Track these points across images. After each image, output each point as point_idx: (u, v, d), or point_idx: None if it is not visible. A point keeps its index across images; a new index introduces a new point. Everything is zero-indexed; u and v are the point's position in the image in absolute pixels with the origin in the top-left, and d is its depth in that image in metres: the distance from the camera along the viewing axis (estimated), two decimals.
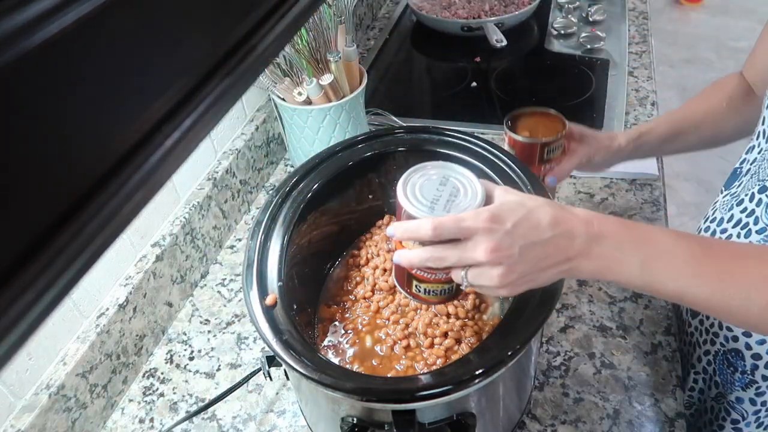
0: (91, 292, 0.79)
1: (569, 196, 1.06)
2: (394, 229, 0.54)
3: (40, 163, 0.15)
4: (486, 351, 0.57)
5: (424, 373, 0.63)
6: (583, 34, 1.43)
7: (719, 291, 0.51)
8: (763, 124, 0.71)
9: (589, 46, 1.40)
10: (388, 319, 0.72)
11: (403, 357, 0.68)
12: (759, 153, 0.73)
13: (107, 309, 0.80)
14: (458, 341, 0.68)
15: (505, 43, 1.35)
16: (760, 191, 0.69)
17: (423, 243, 0.54)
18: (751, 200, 0.72)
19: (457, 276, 0.53)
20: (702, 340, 0.82)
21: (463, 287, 0.55)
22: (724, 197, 0.79)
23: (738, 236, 0.73)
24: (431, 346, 0.68)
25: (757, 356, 0.73)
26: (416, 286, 0.61)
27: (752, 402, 0.77)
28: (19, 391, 0.70)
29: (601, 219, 0.52)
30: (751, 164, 0.75)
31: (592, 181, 1.08)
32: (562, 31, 1.47)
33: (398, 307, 0.73)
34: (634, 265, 0.51)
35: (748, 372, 0.75)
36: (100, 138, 0.17)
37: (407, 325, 0.71)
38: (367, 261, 0.79)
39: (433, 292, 0.60)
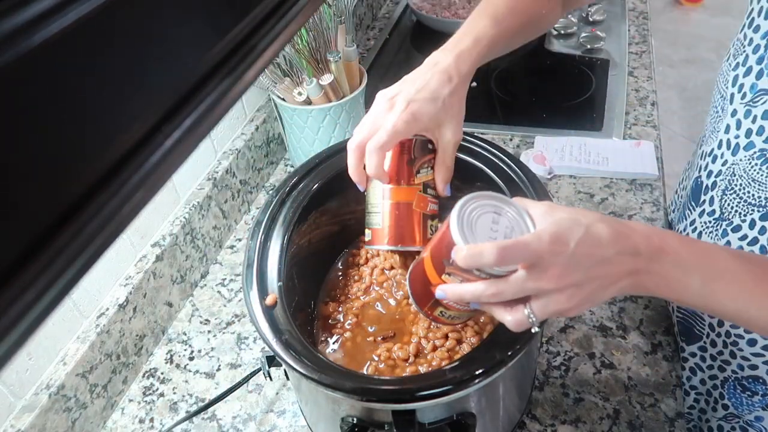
0: (91, 292, 0.79)
1: (569, 196, 1.06)
2: (455, 253, 0.49)
3: (40, 163, 0.15)
4: (486, 351, 0.57)
5: (424, 373, 0.63)
6: (583, 34, 1.43)
7: None
8: (726, 132, 0.68)
9: (589, 46, 1.40)
10: (390, 334, 0.72)
11: (407, 363, 0.68)
12: (724, 165, 0.69)
13: (107, 309, 0.80)
14: (459, 342, 0.68)
15: None
16: (762, 218, 0.65)
17: (469, 274, 0.50)
18: (751, 227, 0.67)
19: (520, 318, 0.49)
20: (705, 366, 0.80)
21: (534, 329, 0.50)
22: (701, 217, 0.74)
23: None
24: (434, 349, 0.68)
25: None
26: (441, 312, 0.58)
27: None
28: (19, 391, 0.70)
29: (661, 234, 0.50)
30: (717, 177, 0.71)
31: (592, 181, 1.08)
32: (562, 31, 1.47)
33: (397, 311, 0.73)
34: (694, 284, 0.49)
35: None
36: (100, 138, 0.17)
37: (409, 335, 0.70)
38: (366, 261, 0.79)
39: (457, 317, 0.59)
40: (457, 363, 0.58)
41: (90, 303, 0.79)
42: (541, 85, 1.36)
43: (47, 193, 0.16)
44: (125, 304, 0.82)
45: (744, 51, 0.64)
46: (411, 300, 0.61)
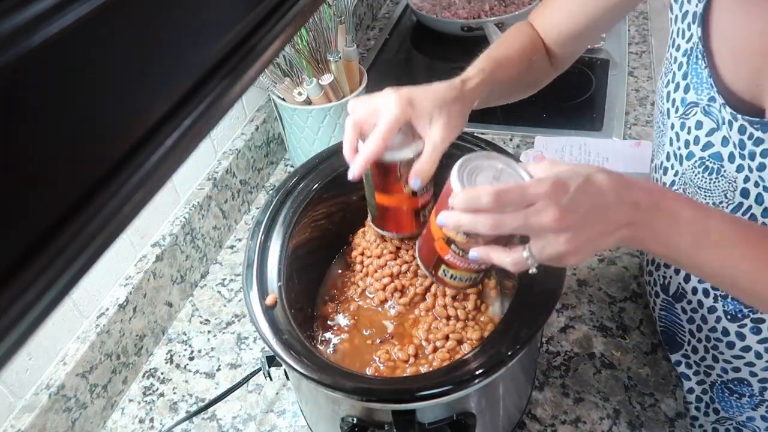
0: (91, 292, 0.79)
1: None
2: (452, 199, 0.51)
3: (40, 164, 0.15)
4: (486, 351, 0.57)
5: (424, 374, 0.63)
6: None
7: (760, 276, 0.51)
8: (671, 144, 0.70)
9: (589, 46, 1.40)
10: (388, 336, 0.72)
11: (408, 364, 0.68)
12: (676, 176, 0.71)
13: (107, 309, 0.80)
14: (460, 342, 0.68)
15: None
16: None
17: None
18: None
19: (518, 258, 0.51)
20: (692, 372, 0.81)
21: (532, 270, 0.52)
22: None
23: None
24: (435, 350, 0.68)
25: (764, 380, 0.72)
26: (444, 270, 0.60)
27: (764, 419, 0.76)
28: (19, 391, 0.70)
29: (660, 190, 0.52)
30: (672, 188, 0.73)
31: None
32: None
33: (396, 314, 0.73)
34: (685, 241, 0.51)
35: (757, 394, 0.74)
36: (100, 138, 0.17)
37: (410, 337, 0.70)
38: (362, 261, 0.79)
39: (460, 278, 0.60)
40: (457, 363, 0.58)
41: (90, 303, 0.79)
42: None
43: (47, 193, 0.16)
44: (125, 304, 0.82)
45: (672, 69, 0.68)
46: (419, 262, 0.64)
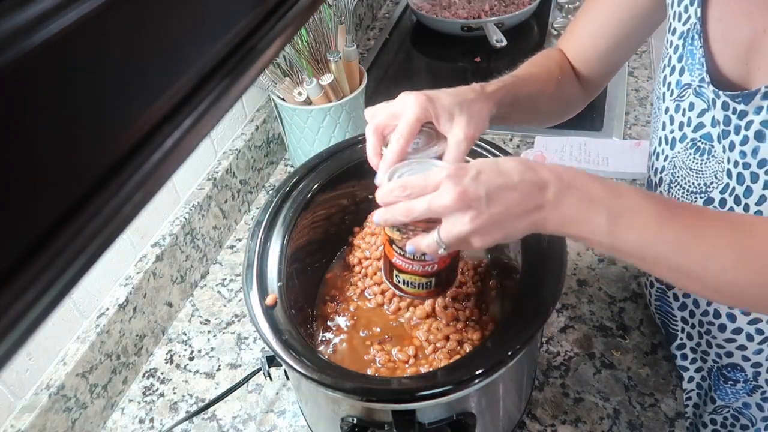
0: (91, 292, 0.79)
1: None
2: (377, 196, 0.55)
3: (40, 163, 0.15)
4: (486, 351, 0.57)
5: (424, 374, 0.63)
6: None
7: (680, 250, 0.50)
8: (663, 129, 0.71)
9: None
10: (387, 338, 0.72)
11: (407, 365, 0.68)
12: (666, 161, 0.72)
13: (107, 309, 0.80)
14: (461, 342, 0.68)
15: (505, 43, 1.35)
16: (705, 204, 0.68)
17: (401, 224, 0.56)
18: None
19: (430, 242, 0.53)
20: (689, 361, 0.81)
21: (440, 250, 0.54)
22: None
23: None
24: (435, 351, 0.68)
25: (757, 365, 0.72)
26: (396, 275, 0.62)
27: (759, 407, 0.76)
28: (19, 391, 0.70)
29: (571, 172, 0.52)
30: (662, 173, 0.74)
31: None
32: (562, 31, 1.46)
33: (395, 315, 0.73)
34: (600, 218, 0.50)
35: (751, 379, 0.74)
36: (100, 138, 0.17)
37: (410, 339, 0.70)
38: (359, 261, 0.79)
39: (411, 284, 0.62)
40: (457, 363, 0.58)
41: (90, 303, 0.79)
42: None
43: (47, 193, 0.16)
44: (125, 304, 0.82)
45: (668, 53, 0.69)
46: (382, 272, 0.66)
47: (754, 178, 0.61)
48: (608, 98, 1.25)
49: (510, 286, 0.72)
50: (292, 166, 1.18)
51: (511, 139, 1.18)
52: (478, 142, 0.77)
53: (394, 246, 0.60)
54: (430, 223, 0.53)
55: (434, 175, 0.51)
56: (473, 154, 0.76)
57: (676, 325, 0.79)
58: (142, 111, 0.19)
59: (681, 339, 0.80)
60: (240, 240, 1.05)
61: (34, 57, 0.14)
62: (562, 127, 1.19)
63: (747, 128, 0.59)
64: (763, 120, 0.58)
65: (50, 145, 0.16)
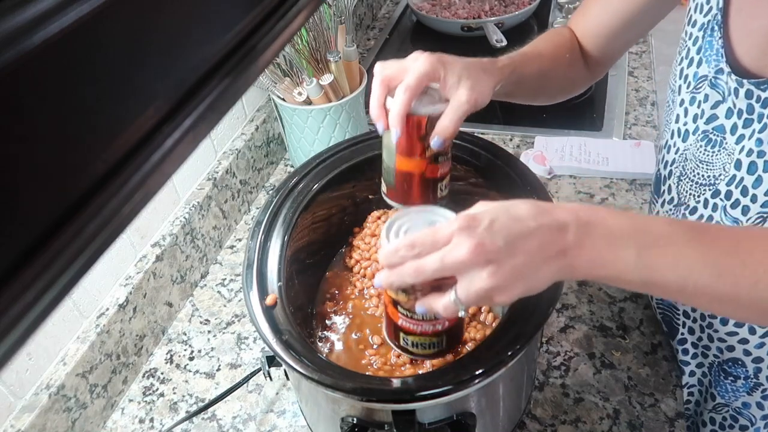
0: (91, 292, 0.79)
1: (569, 195, 1.06)
2: (380, 257, 0.51)
3: (41, 164, 0.15)
4: (486, 351, 0.57)
5: (424, 374, 0.63)
6: None
7: (725, 274, 0.46)
8: (677, 122, 0.71)
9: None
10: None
11: (404, 368, 0.68)
12: (677, 153, 0.72)
13: (107, 309, 0.80)
14: (463, 343, 0.68)
15: (505, 43, 1.35)
16: (713, 196, 0.67)
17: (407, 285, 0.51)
18: (705, 207, 0.69)
19: (447, 303, 0.49)
20: (690, 356, 0.81)
21: (460, 312, 0.49)
22: (663, 207, 0.76)
23: None
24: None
25: (758, 360, 0.73)
26: (403, 338, 0.58)
27: (759, 406, 0.76)
28: (19, 391, 0.70)
29: (589, 208, 0.49)
30: (672, 166, 0.73)
31: (592, 181, 1.08)
32: None
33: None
34: (629, 254, 0.46)
35: (752, 376, 0.74)
36: (100, 138, 0.17)
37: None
38: (357, 262, 0.79)
39: (421, 345, 0.58)
40: (457, 363, 0.58)
41: (90, 303, 0.79)
42: None
43: (48, 193, 0.16)
44: (125, 304, 0.82)
45: (686, 45, 0.69)
46: (385, 338, 0.63)
47: (767, 167, 0.60)
48: (608, 98, 1.26)
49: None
50: (292, 166, 1.18)
51: (511, 139, 1.18)
52: (477, 142, 0.77)
53: (399, 308, 0.56)
54: (439, 281, 0.49)
55: (444, 228, 0.47)
56: (472, 153, 0.76)
57: (678, 320, 0.79)
58: (142, 111, 0.19)
59: (682, 333, 0.80)
60: (240, 240, 1.05)
61: (34, 57, 0.14)
62: (562, 127, 1.19)
63: None
64: None
65: (50, 145, 0.16)
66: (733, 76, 0.61)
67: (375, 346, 0.70)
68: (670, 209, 0.76)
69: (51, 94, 0.15)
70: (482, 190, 0.77)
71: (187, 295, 0.95)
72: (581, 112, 1.25)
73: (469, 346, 0.68)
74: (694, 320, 0.77)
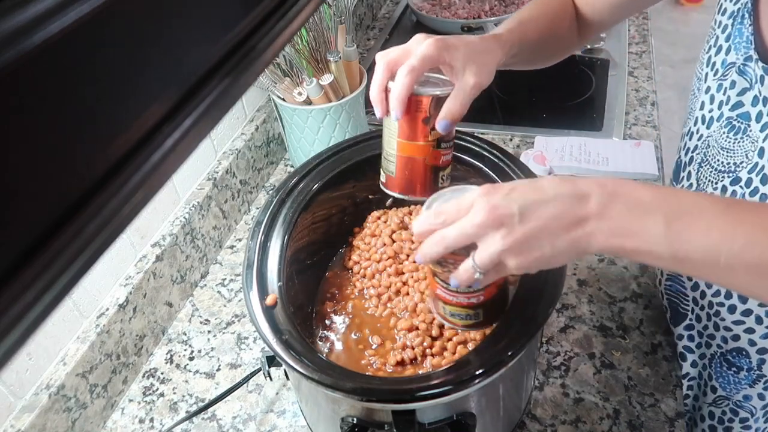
0: (91, 292, 0.79)
1: None
2: (413, 229, 0.53)
3: (41, 163, 0.15)
4: (486, 351, 0.57)
5: (424, 374, 0.63)
6: None
7: (759, 243, 0.44)
8: (702, 108, 0.71)
9: (589, 46, 1.40)
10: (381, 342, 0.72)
11: (403, 367, 0.68)
12: (700, 140, 0.72)
13: (107, 309, 0.80)
14: (464, 343, 0.68)
15: None
16: (732, 183, 0.67)
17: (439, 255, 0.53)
18: (723, 193, 0.69)
19: (467, 267, 0.50)
20: (694, 345, 0.81)
21: (476, 275, 0.50)
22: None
23: None
24: (441, 352, 0.68)
25: (763, 350, 0.72)
26: (443, 307, 0.60)
27: (761, 397, 0.76)
28: (19, 391, 0.70)
29: (615, 180, 0.47)
30: (693, 152, 0.74)
31: None
32: None
33: (391, 316, 0.73)
34: (656, 226, 0.45)
35: (755, 368, 0.74)
36: (100, 138, 0.17)
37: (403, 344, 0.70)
38: (356, 263, 0.79)
39: (458, 315, 0.59)
40: (457, 363, 0.58)
41: (90, 303, 0.79)
42: (541, 85, 1.36)
43: (48, 193, 0.16)
44: (125, 304, 0.82)
45: (715, 33, 0.69)
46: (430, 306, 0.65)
47: None
48: (608, 98, 1.26)
49: (513, 282, 0.72)
50: (292, 166, 1.18)
51: (511, 139, 1.18)
52: (477, 142, 0.77)
53: (437, 278, 0.57)
54: (468, 250, 0.51)
55: (467, 197, 0.49)
56: (472, 153, 0.76)
57: (687, 305, 0.79)
58: (143, 111, 0.19)
59: (690, 320, 0.80)
60: (240, 240, 1.05)
61: (34, 57, 0.14)
62: (562, 127, 1.19)
63: None
64: None
65: (50, 145, 0.16)
66: (761, 64, 0.61)
67: (374, 347, 0.70)
68: None
69: (51, 94, 0.15)
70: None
71: (187, 295, 0.95)
72: (581, 112, 1.25)
73: (469, 346, 0.68)
74: (702, 308, 0.77)
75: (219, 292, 0.97)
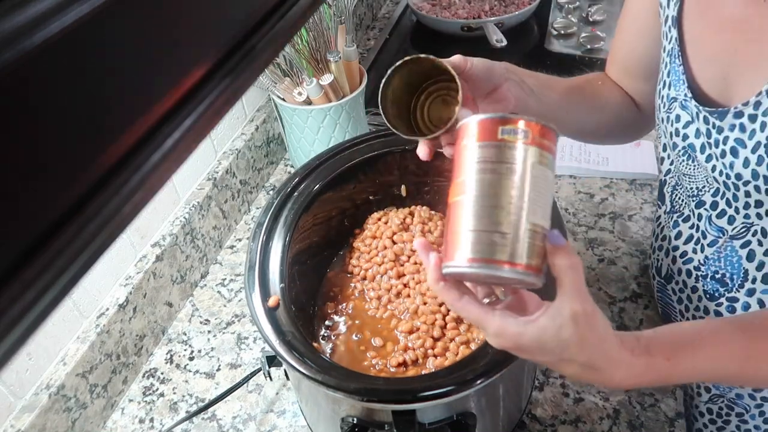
0: (91, 292, 0.79)
1: (569, 195, 1.06)
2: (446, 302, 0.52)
3: (41, 163, 0.15)
4: (487, 351, 0.57)
5: (424, 374, 0.63)
6: (583, 34, 1.43)
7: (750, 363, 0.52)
8: (664, 136, 0.73)
9: (589, 46, 1.40)
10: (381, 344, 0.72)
11: (404, 367, 0.68)
12: (672, 165, 0.74)
13: (107, 309, 0.80)
14: (467, 343, 0.68)
15: (505, 43, 1.35)
16: (697, 206, 0.71)
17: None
18: (692, 215, 0.73)
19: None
20: None
21: None
22: (665, 213, 0.79)
23: (694, 251, 0.73)
24: (443, 353, 0.68)
25: None
26: None
27: (752, 397, 0.77)
28: (19, 391, 0.70)
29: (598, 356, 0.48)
30: (666, 175, 0.77)
31: (592, 181, 1.08)
32: (562, 31, 1.47)
33: (391, 317, 0.73)
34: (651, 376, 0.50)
35: None
36: (100, 138, 0.17)
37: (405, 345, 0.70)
38: (356, 265, 0.79)
39: None
40: (457, 364, 0.58)
41: (90, 303, 0.79)
42: None
43: (47, 193, 0.16)
44: (125, 304, 0.82)
45: (661, 68, 0.72)
46: None
47: (736, 187, 0.63)
48: None
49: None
50: (292, 166, 1.18)
51: None
52: None
53: None
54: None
55: (486, 321, 0.47)
56: None
57: (676, 316, 0.82)
58: (142, 111, 0.19)
59: None
60: (240, 240, 1.05)
61: (34, 57, 0.14)
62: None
63: (724, 143, 0.62)
64: (736, 137, 0.60)
65: (50, 145, 0.16)
66: (693, 102, 0.65)
67: (376, 347, 0.70)
68: (667, 217, 0.79)
69: (51, 94, 0.15)
70: None
71: (187, 295, 0.95)
72: None
73: (472, 347, 0.68)
74: (688, 319, 0.78)
75: (219, 292, 0.97)
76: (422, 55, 0.57)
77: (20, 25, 0.14)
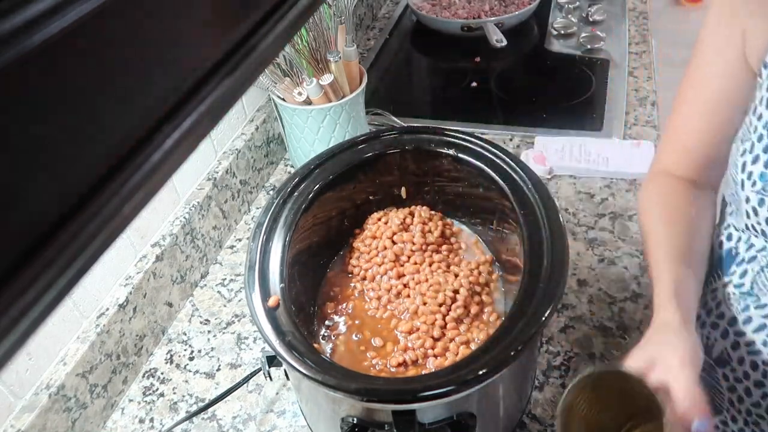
0: (91, 292, 0.79)
1: (569, 196, 1.06)
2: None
3: (40, 164, 0.15)
4: (487, 351, 0.57)
5: (424, 374, 0.63)
6: (583, 34, 1.43)
7: None
8: (749, 218, 0.64)
9: (589, 46, 1.40)
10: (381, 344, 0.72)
11: (404, 368, 0.68)
12: (759, 251, 0.64)
13: (107, 309, 0.80)
14: (467, 343, 0.68)
15: (505, 43, 1.35)
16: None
17: None
18: None
19: None
20: None
21: None
22: (726, 288, 0.70)
23: (764, 343, 0.66)
24: (443, 353, 0.68)
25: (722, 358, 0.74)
26: None
27: (730, 389, 0.76)
28: (19, 391, 0.70)
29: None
30: (758, 251, 0.65)
31: (591, 181, 1.08)
32: (562, 31, 1.47)
33: (391, 318, 0.73)
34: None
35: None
36: (100, 138, 0.17)
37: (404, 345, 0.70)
38: (356, 265, 0.79)
39: None
40: (457, 364, 0.58)
41: (90, 303, 0.79)
42: (541, 85, 1.36)
43: (47, 193, 0.16)
44: (125, 304, 0.82)
45: (750, 138, 0.61)
46: None
47: None
48: (608, 98, 1.26)
49: (514, 281, 0.72)
50: (292, 166, 1.18)
51: (511, 139, 1.18)
52: (477, 142, 0.77)
53: None
54: None
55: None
56: (470, 152, 0.76)
57: (722, 403, 0.78)
58: (142, 111, 0.19)
59: (724, 416, 0.78)
60: (240, 240, 1.05)
61: (34, 57, 0.14)
62: (562, 127, 1.19)
63: None
64: None
65: (50, 145, 0.16)
66: None
67: (376, 347, 0.70)
68: (733, 293, 0.70)
69: (50, 94, 0.15)
70: (482, 191, 0.77)
71: (187, 295, 0.95)
72: (581, 112, 1.25)
73: (472, 347, 0.68)
74: (739, 411, 0.75)
75: (219, 292, 0.97)
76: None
77: (20, 25, 0.14)
